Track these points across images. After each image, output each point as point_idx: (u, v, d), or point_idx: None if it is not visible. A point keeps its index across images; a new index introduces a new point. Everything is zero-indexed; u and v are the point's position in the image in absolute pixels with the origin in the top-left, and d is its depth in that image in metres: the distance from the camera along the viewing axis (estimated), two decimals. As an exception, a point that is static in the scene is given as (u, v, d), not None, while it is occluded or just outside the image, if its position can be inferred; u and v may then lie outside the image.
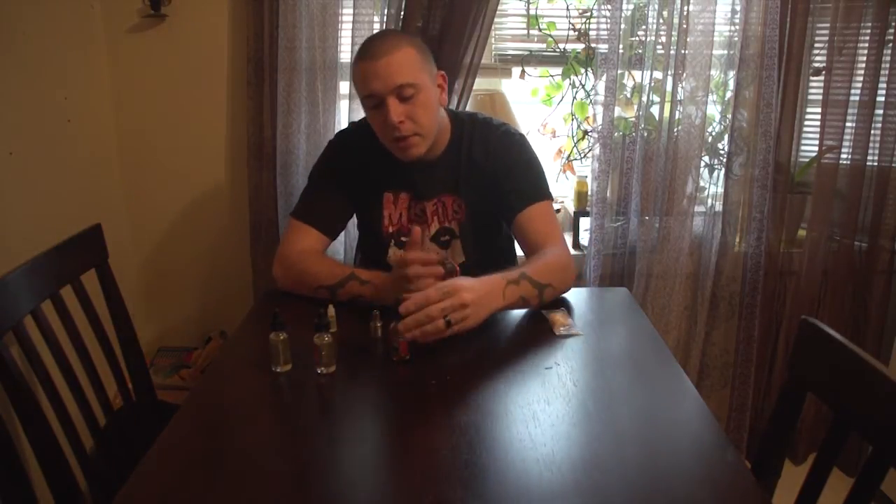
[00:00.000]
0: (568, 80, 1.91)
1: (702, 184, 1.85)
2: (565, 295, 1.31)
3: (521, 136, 1.41)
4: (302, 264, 1.32)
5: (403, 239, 1.40)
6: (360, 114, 1.73)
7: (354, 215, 1.49)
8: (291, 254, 1.34)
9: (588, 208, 1.90)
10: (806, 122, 1.88)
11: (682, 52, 1.73)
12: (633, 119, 1.83)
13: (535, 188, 1.36)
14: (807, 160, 1.89)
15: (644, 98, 1.78)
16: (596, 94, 1.87)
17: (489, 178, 1.37)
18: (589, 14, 1.84)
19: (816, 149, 1.83)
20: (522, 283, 1.17)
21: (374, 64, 1.21)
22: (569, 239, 1.95)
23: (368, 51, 1.24)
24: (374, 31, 1.71)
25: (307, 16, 1.67)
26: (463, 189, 1.39)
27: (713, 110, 1.83)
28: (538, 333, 1.18)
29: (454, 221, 1.42)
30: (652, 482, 0.81)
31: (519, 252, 1.47)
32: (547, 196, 1.37)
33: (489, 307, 1.11)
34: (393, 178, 1.40)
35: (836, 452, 0.92)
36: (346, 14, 1.71)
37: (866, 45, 1.73)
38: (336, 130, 1.76)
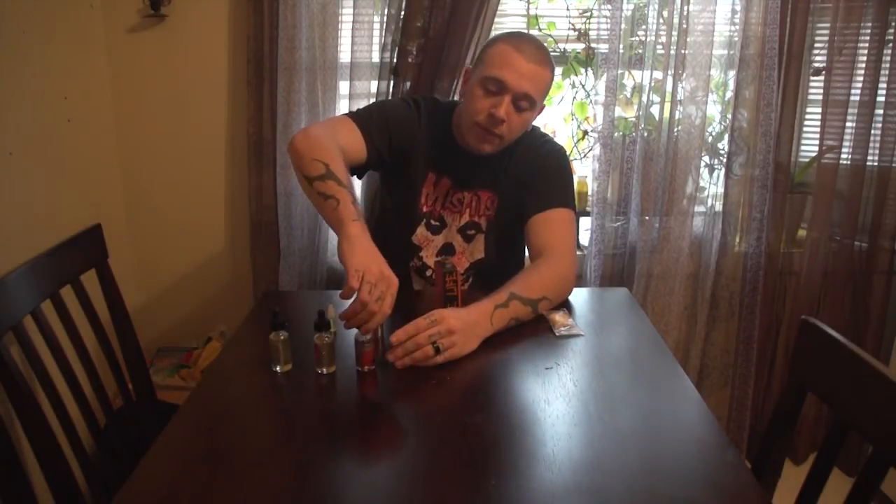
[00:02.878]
0: (568, 80, 1.91)
1: (702, 184, 1.85)
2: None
3: (562, 148, 1.46)
4: (321, 137, 1.24)
5: (433, 222, 1.43)
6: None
7: (384, 187, 1.50)
8: (321, 129, 1.28)
9: (588, 208, 1.90)
10: (806, 122, 1.88)
11: (682, 52, 1.73)
12: (633, 119, 1.83)
13: (558, 194, 1.37)
14: (807, 160, 1.89)
15: (644, 98, 1.78)
16: (596, 94, 1.87)
17: (523, 179, 1.40)
18: (589, 14, 1.84)
19: (816, 149, 1.83)
20: (512, 304, 1.16)
21: (524, 63, 1.26)
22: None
23: (525, 49, 1.27)
24: (374, 32, 1.71)
25: (307, 16, 1.67)
26: (500, 188, 1.42)
27: (713, 110, 1.83)
28: (538, 333, 1.18)
29: (483, 217, 1.44)
30: (652, 482, 0.81)
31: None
32: (568, 205, 1.37)
33: (478, 335, 1.11)
34: (441, 161, 1.42)
35: (836, 452, 0.92)
36: (346, 14, 1.71)
37: (866, 45, 1.73)
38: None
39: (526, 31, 1.87)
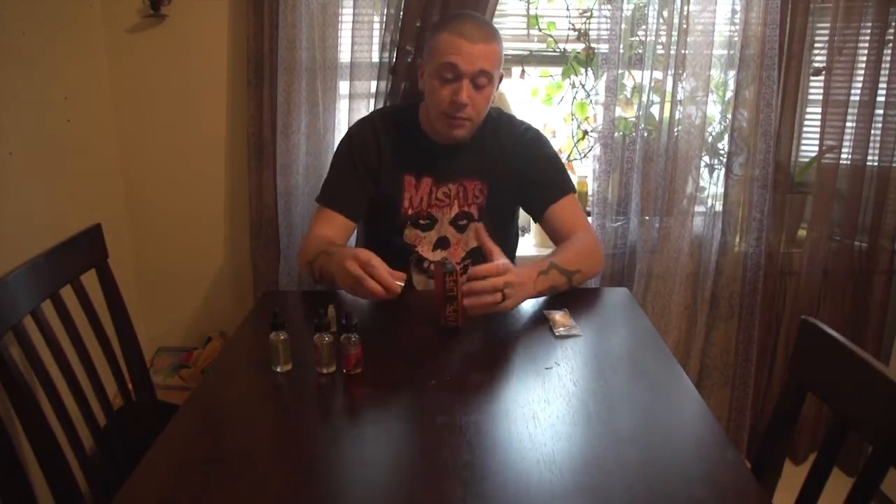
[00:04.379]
0: (568, 80, 1.91)
1: (702, 184, 1.85)
2: (565, 295, 1.32)
3: (543, 134, 1.50)
4: (304, 244, 1.40)
5: (422, 222, 1.45)
6: (359, 113, 1.74)
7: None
8: (305, 238, 1.41)
9: (588, 208, 1.90)
10: (806, 122, 1.88)
11: (682, 52, 1.73)
12: (633, 119, 1.82)
13: (564, 182, 1.46)
14: (807, 160, 1.89)
15: (644, 98, 1.78)
16: (596, 94, 1.87)
17: (514, 166, 1.44)
18: (589, 14, 1.84)
19: (816, 149, 1.83)
20: (552, 272, 1.26)
21: (470, 46, 1.28)
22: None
23: (466, 31, 1.29)
24: (374, 31, 1.71)
25: (307, 16, 1.67)
26: (488, 175, 1.44)
27: (713, 110, 1.83)
28: (538, 333, 1.19)
29: (474, 206, 1.46)
30: (652, 482, 0.81)
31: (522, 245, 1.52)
32: (573, 188, 1.46)
33: (524, 294, 1.19)
34: (414, 162, 1.43)
35: (836, 452, 0.92)
36: (346, 14, 1.71)
37: (866, 45, 1.73)
38: (336, 130, 1.77)
39: (526, 31, 1.87)
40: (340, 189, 1.44)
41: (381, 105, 1.72)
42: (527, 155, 1.44)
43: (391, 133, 1.44)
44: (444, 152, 1.41)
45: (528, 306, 1.29)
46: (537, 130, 1.49)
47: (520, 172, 1.44)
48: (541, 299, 1.31)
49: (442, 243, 1.46)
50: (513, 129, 1.47)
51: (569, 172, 1.50)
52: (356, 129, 1.48)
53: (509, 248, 1.58)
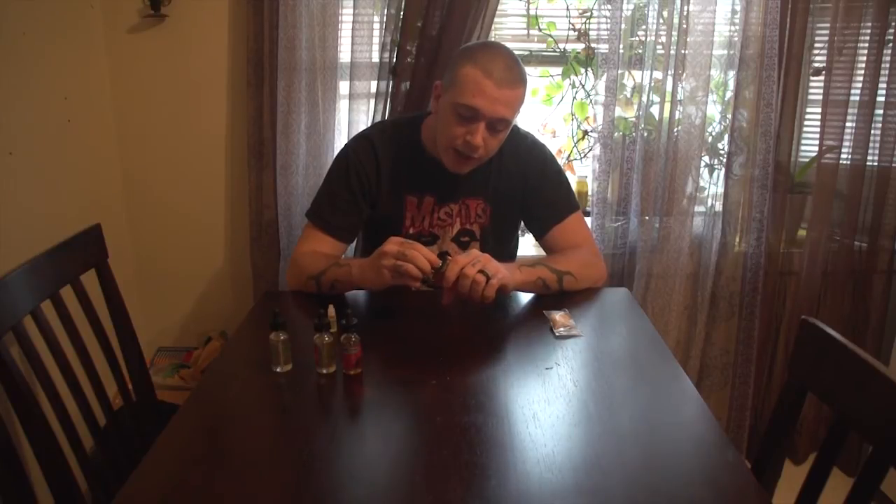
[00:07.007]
0: (568, 80, 1.91)
1: (702, 184, 1.85)
2: (565, 295, 1.32)
3: (549, 149, 1.47)
4: (300, 261, 1.37)
5: (423, 239, 1.43)
6: (359, 113, 1.74)
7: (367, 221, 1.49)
8: (298, 255, 1.39)
9: (588, 208, 1.90)
10: (806, 122, 1.88)
11: (682, 52, 1.73)
12: (633, 119, 1.82)
13: (568, 201, 1.44)
14: (807, 160, 1.89)
15: (644, 98, 1.78)
16: (596, 94, 1.87)
17: (518, 185, 1.42)
18: (589, 14, 1.84)
19: (816, 149, 1.83)
20: (538, 266, 1.28)
21: (495, 89, 1.21)
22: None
23: (494, 71, 1.21)
24: (374, 32, 1.71)
25: (307, 16, 1.67)
26: (492, 194, 1.42)
27: (713, 110, 1.83)
28: (538, 333, 1.18)
29: (476, 224, 1.44)
30: (652, 482, 0.81)
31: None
32: (577, 207, 1.44)
33: (507, 273, 1.19)
34: (416, 182, 1.40)
35: (836, 452, 0.92)
36: (346, 14, 1.71)
37: (866, 45, 1.73)
38: (336, 130, 1.77)
39: (526, 31, 1.87)
40: (334, 213, 1.39)
41: (381, 105, 1.72)
42: (530, 172, 1.41)
43: (392, 153, 1.39)
44: (447, 172, 1.36)
45: (529, 306, 1.30)
46: (541, 145, 1.45)
47: (523, 193, 1.41)
48: (540, 299, 1.31)
49: (443, 258, 1.45)
50: (517, 144, 1.41)
51: (572, 188, 1.48)
52: (354, 150, 1.40)
53: (510, 258, 1.56)
